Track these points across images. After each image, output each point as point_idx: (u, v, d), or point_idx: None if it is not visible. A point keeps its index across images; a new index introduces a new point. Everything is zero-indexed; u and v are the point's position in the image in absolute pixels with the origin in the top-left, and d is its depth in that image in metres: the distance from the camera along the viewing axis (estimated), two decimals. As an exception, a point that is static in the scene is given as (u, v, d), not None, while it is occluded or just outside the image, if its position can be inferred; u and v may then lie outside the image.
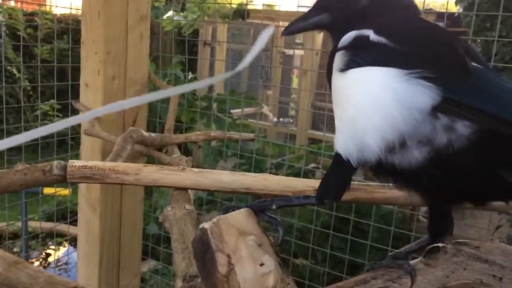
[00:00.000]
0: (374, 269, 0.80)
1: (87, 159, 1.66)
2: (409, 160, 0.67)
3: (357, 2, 0.79)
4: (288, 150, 3.38)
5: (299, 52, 5.55)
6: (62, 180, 1.05)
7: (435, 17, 3.45)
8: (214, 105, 2.92)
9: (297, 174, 2.62)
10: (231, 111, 3.20)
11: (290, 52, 5.71)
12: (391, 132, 0.66)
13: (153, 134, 1.50)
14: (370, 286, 0.78)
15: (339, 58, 0.73)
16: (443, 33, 0.78)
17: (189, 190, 1.10)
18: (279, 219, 0.80)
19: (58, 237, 3.28)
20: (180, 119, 2.82)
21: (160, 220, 0.99)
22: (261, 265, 0.67)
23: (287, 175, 2.86)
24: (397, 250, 0.83)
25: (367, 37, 0.72)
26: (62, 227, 2.75)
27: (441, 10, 4.09)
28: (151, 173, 1.06)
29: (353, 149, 0.70)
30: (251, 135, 1.70)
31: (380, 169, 0.71)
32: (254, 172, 2.59)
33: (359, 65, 0.70)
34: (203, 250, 0.70)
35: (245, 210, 0.74)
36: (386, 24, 0.74)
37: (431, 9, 3.69)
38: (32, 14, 5.58)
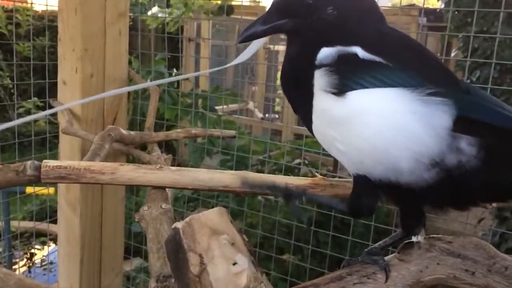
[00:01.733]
0: (350, 265, 0.80)
1: (66, 158, 1.64)
2: (417, 181, 0.68)
3: (323, 11, 0.73)
4: (274, 146, 3.38)
5: (284, 47, 5.53)
6: (36, 181, 1.03)
7: (418, 12, 3.48)
8: (199, 101, 2.90)
9: (282, 170, 2.63)
10: (216, 107, 3.19)
11: (275, 47, 5.69)
12: (425, 155, 0.66)
13: (132, 132, 1.49)
14: (346, 282, 0.78)
15: (324, 78, 0.70)
16: (426, 49, 0.78)
17: (167, 189, 1.09)
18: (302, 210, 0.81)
19: (43, 237, 3.24)
20: (164, 116, 2.81)
21: (136, 220, 0.98)
22: (234, 264, 0.67)
23: (273, 171, 2.85)
24: (372, 245, 0.83)
25: (355, 54, 0.69)
26: (46, 226, 2.71)
27: (425, 6, 4.11)
28: (128, 172, 1.04)
29: (387, 173, 0.68)
30: (232, 132, 1.70)
31: (387, 190, 0.72)
32: (239, 169, 2.59)
33: (359, 86, 0.68)
34: (176, 250, 0.69)
35: (218, 209, 0.73)
36: (371, 39, 0.72)
37: (413, 4, 3.72)
38: (13, 10, 5.49)
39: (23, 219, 3.79)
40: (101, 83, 1.66)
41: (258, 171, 2.92)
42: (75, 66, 1.57)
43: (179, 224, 0.70)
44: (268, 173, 2.91)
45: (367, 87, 0.68)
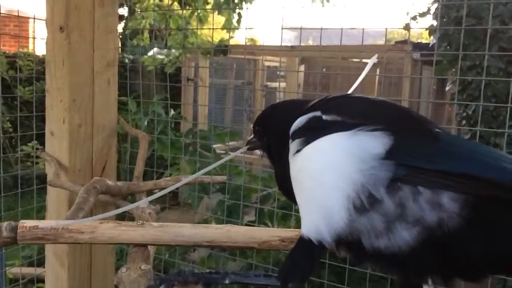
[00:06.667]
0: None
1: (54, 210, 1.61)
2: (398, 244, 0.63)
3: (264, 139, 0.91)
4: (273, 183, 3.33)
5: (282, 84, 5.61)
6: (12, 242, 1.00)
7: (411, 47, 3.51)
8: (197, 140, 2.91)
9: (283, 207, 2.59)
10: (214, 146, 3.19)
11: (273, 84, 5.76)
12: (353, 188, 0.63)
13: (119, 183, 1.46)
14: None
15: (294, 146, 0.74)
16: (393, 105, 0.77)
17: (149, 246, 1.05)
18: None
19: (41, 283, 3.17)
20: (163, 156, 2.79)
21: (115, 283, 0.94)
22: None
23: (272, 209, 2.81)
24: None
25: (320, 117, 0.72)
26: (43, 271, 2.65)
27: (417, 41, 4.17)
28: (108, 230, 1.01)
29: (321, 222, 0.66)
30: (223, 178, 1.67)
31: (363, 254, 0.67)
32: (237, 207, 2.53)
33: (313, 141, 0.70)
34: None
35: None
36: (332, 107, 0.75)
37: (406, 40, 3.77)
38: (14, 56, 5.60)
39: (22, 264, 3.73)
40: (89, 133, 1.64)
41: (258, 210, 2.88)
42: (63, 117, 1.57)
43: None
44: (267, 211, 2.87)
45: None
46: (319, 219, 0.66)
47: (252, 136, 0.98)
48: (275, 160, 0.88)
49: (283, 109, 0.89)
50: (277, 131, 0.83)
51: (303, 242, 0.69)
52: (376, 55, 1.01)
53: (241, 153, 1.06)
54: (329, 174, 0.65)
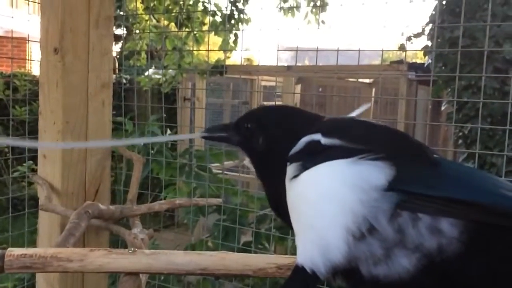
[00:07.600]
0: None
1: (45, 235, 1.58)
2: (398, 271, 0.61)
3: (256, 141, 0.81)
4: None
5: (279, 103, 5.62)
6: (-1, 271, 0.97)
7: (406, 67, 3.53)
8: (194, 160, 2.89)
9: (280, 228, 2.56)
10: (211, 165, 3.16)
11: (269, 104, 5.78)
12: (353, 219, 0.61)
13: (112, 207, 1.43)
14: None
15: (291, 169, 0.70)
16: (393, 131, 0.76)
17: (141, 274, 1.02)
18: None
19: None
20: (159, 177, 2.77)
21: (104, 314, 0.91)
22: None
23: (269, 232, 2.77)
24: None
25: (318, 141, 0.69)
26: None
27: (412, 61, 4.21)
28: (98, 259, 0.98)
29: (317, 254, 0.64)
30: (219, 200, 1.65)
31: (361, 283, 0.65)
32: (234, 228, 2.49)
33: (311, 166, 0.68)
34: None
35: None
36: (331, 128, 0.73)
37: (401, 60, 3.81)
38: (10, 76, 5.61)
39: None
40: (82, 155, 1.62)
41: (255, 232, 2.84)
42: (56, 139, 1.55)
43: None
44: (265, 231, 2.82)
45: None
46: (315, 249, 0.64)
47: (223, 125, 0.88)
48: (266, 174, 0.81)
49: (293, 120, 0.80)
50: (279, 140, 0.77)
51: (298, 272, 0.67)
52: (369, 104, 1.00)
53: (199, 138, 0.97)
54: (328, 204, 0.62)
